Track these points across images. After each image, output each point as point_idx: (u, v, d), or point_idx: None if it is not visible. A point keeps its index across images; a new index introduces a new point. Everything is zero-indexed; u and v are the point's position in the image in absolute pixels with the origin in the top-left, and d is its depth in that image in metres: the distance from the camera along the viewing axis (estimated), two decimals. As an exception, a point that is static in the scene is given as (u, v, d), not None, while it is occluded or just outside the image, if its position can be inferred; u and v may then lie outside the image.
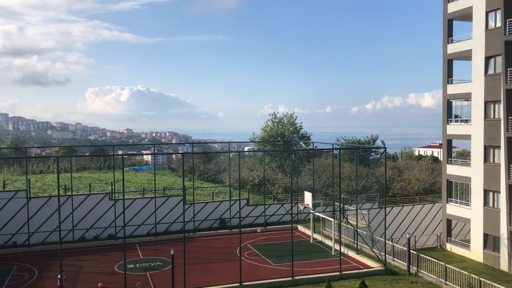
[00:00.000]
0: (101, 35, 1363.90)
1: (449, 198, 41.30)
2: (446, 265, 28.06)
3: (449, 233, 41.46)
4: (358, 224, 35.31)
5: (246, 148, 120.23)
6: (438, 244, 42.58)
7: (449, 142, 42.54)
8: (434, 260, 29.63)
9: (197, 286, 26.85)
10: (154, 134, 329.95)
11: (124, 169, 46.10)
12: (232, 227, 40.64)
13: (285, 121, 66.95)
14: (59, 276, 25.86)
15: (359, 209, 36.83)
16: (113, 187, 39.83)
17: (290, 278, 28.00)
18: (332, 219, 34.81)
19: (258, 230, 40.93)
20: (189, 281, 26.49)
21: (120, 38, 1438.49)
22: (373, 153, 70.01)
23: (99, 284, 27.24)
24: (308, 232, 39.06)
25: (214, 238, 38.98)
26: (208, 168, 56.75)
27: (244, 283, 27.09)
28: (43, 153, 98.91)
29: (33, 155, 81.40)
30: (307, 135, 67.85)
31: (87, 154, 79.65)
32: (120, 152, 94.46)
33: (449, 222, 41.55)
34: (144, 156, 77.29)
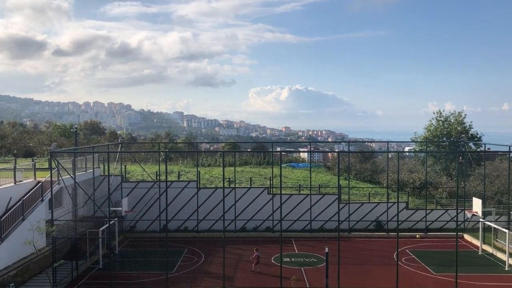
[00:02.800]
0: (263, 37, 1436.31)
1: None
2: None
3: None
4: (540, 238, 30.73)
5: (406, 149, 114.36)
6: None
7: None
8: None
9: (351, 286, 26.45)
10: (310, 132, 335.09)
11: (282, 165, 47.77)
12: (389, 230, 39.07)
13: (452, 120, 61.89)
14: (256, 251, 29.37)
15: (541, 221, 32.11)
16: (271, 182, 41.63)
17: (453, 291, 25.75)
18: (506, 230, 31.06)
19: (417, 236, 38.62)
20: (343, 280, 26.24)
21: (282, 39, 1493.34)
22: (561, 158, 60.36)
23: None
24: (476, 242, 35.52)
25: (369, 240, 37.96)
26: (365, 168, 55.31)
27: (401, 290, 25.78)
28: (211, 148, 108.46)
29: (203, 150, 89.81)
30: (478, 136, 61.63)
31: (249, 150, 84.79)
32: (278, 149, 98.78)
33: None
34: (301, 154, 78.97)
